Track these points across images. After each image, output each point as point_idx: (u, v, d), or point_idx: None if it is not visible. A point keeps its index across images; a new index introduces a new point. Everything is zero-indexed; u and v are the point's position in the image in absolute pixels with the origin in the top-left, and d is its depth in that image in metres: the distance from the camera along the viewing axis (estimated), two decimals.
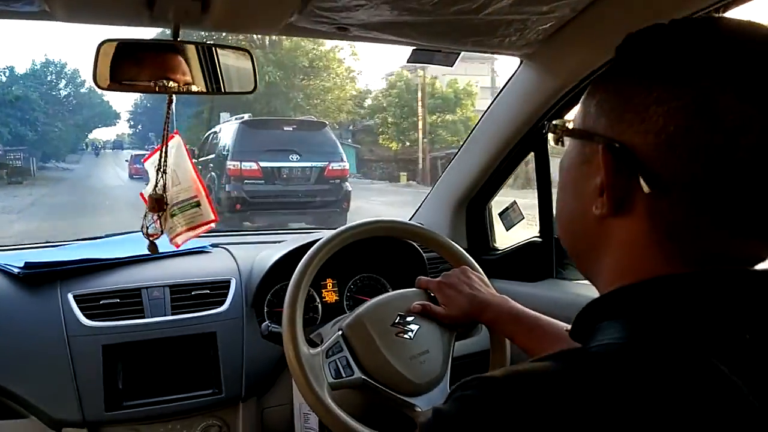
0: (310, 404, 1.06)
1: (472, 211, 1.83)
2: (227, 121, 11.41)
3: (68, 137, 37.91)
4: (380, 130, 25.90)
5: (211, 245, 1.68)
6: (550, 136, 0.64)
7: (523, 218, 1.74)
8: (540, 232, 1.69)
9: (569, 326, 0.59)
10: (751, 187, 0.48)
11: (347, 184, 10.12)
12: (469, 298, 1.12)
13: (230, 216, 9.06)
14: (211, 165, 10.00)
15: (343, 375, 1.09)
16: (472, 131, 1.70)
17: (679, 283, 0.50)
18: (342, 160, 10.14)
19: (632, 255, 0.53)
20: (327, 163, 9.84)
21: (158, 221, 1.12)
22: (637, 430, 0.43)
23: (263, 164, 9.48)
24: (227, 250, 1.65)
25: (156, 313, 1.36)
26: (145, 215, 1.12)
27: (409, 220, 1.92)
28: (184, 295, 1.41)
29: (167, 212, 1.13)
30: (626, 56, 0.55)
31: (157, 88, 1.05)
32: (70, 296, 1.33)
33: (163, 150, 1.10)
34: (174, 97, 1.05)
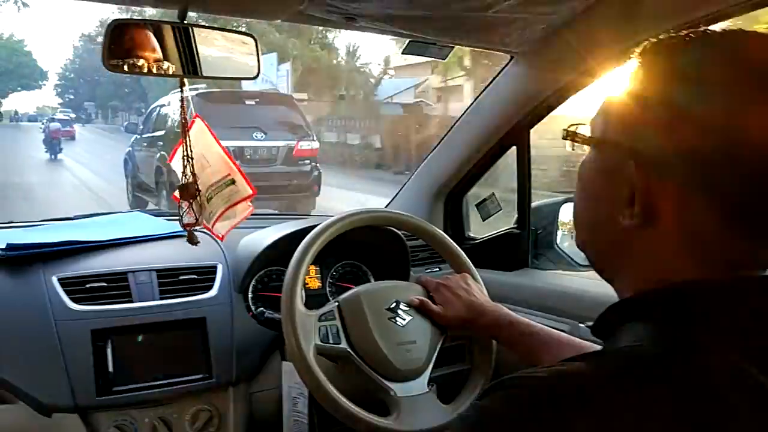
0: (294, 360, 1.10)
1: (450, 202, 1.86)
2: (177, 91, 10.07)
3: None
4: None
5: None
6: (565, 141, 0.64)
7: (501, 209, 1.79)
8: (517, 222, 1.74)
9: (584, 324, 0.62)
10: None
11: (317, 165, 9.18)
12: (467, 303, 1.17)
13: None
14: (161, 143, 8.72)
15: (331, 342, 1.14)
16: (455, 122, 1.73)
17: (707, 288, 0.52)
18: (311, 138, 9.14)
19: (659, 261, 0.55)
20: (295, 141, 8.89)
21: (189, 209, 1.08)
22: (670, 430, 0.45)
23: (223, 143, 8.43)
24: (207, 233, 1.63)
25: (144, 297, 1.33)
26: (179, 206, 1.09)
27: (386, 207, 1.93)
28: (172, 279, 1.39)
29: (202, 198, 1.11)
30: (648, 67, 0.56)
31: (164, 71, 1.03)
32: (54, 279, 1.29)
33: (187, 137, 1.07)
34: (186, 80, 1.04)
